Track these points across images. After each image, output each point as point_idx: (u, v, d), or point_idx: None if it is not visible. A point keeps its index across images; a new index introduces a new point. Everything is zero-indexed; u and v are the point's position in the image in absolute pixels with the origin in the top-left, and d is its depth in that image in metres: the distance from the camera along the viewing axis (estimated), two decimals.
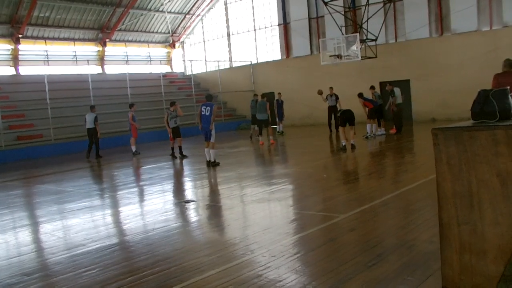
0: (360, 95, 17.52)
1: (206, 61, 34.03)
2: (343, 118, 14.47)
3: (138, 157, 17.64)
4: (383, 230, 5.90)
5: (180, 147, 16.10)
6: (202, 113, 12.84)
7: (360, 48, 21.54)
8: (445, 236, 3.25)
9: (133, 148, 18.31)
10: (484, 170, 3.05)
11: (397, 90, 17.61)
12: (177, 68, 36.11)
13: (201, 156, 12.60)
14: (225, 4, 32.61)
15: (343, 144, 14.43)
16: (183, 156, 15.98)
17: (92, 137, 18.27)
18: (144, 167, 15.23)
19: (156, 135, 24.47)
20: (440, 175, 3.24)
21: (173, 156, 16.07)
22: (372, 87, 18.61)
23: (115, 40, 31.79)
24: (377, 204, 7.16)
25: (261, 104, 18.73)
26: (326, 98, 21.12)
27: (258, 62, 31.17)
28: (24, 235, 7.34)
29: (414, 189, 8.18)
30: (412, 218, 6.22)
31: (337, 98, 20.69)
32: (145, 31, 33.27)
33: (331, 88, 21.34)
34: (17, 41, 26.95)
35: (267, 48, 30.88)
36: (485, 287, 3.10)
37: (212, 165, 12.98)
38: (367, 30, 22.10)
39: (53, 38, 28.92)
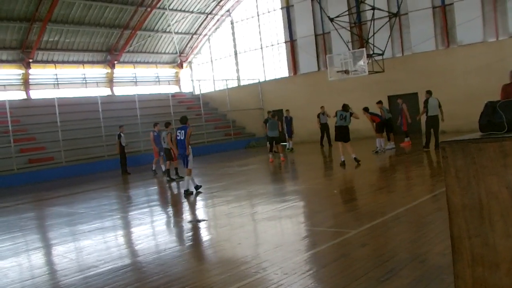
0: (366, 109, 17.39)
1: (214, 80, 34.28)
2: (336, 133, 14.45)
3: (150, 177, 17.70)
4: (395, 245, 5.86)
5: (176, 169, 15.73)
6: (178, 137, 12.02)
7: (367, 63, 21.59)
8: (456, 249, 3.22)
9: (153, 167, 18.46)
10: (493, 182, 3.04)
11: (432, 100, 15.62)
12: (186, 88, 36.40)
13: (208, 175, 12.57)
14: (232, 23, 32.93)
15: (342, 159, 14.39)
16: (179, 178, 15.30)
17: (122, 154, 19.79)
18: (154, 187, 15.30)
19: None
20: (449, 188, 3.23)
21: (171, 179, 15.38)
22: (380, 102, 18.17)
23: (124, 62, 32.17)
24: (388, 219, 7.12)
25: (272, 122, 18.74)
26: (318, 116, 21.98)
27: (266, 79, 31.34)
28: (37, 258, 7.37)
29: (425, 202, 8.13)
30: (424, 232, 6.17)
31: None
32: (153, 52, 33.65)
33: (322, 107, 21.91)
34: (27, 66, 27.42)
35: (275, 65, 31.07)
36: None
37: (185, 194, 11.84)
38: (373, 44, 22.19)
39: (63, 62, 29.37)
